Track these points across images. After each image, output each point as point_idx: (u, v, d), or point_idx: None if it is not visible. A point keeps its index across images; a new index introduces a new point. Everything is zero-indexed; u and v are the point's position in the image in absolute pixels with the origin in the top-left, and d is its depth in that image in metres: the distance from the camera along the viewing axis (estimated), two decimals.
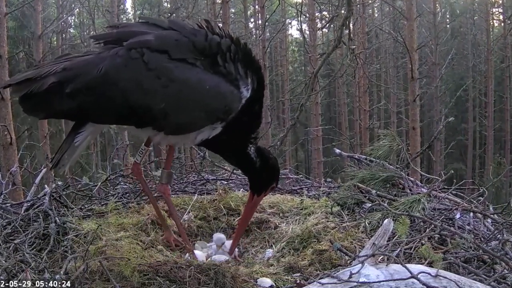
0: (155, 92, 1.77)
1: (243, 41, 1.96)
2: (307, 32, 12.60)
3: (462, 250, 1.85)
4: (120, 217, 2.29)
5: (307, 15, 11.34)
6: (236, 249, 2.19)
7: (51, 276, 1.61)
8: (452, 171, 3.04)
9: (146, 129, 1.92)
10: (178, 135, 1.97)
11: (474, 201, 2.43)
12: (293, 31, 24.78)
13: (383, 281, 1.39)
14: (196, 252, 2.15)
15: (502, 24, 19.18)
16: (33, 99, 1.76)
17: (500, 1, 19.61)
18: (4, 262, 1.71)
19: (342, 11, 4.41)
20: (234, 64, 1.87)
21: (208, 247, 2.27)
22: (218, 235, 2.29)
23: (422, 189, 2.68)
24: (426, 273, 1.40)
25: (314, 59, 8.61)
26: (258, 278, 1.82)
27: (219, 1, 10.61)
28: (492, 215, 2.29)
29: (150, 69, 1.76)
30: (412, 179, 2.82)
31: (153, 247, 2.09)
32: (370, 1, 14.73)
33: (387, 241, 1.80)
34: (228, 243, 2.21)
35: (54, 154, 1.93)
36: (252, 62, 1.95)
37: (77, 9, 15.16)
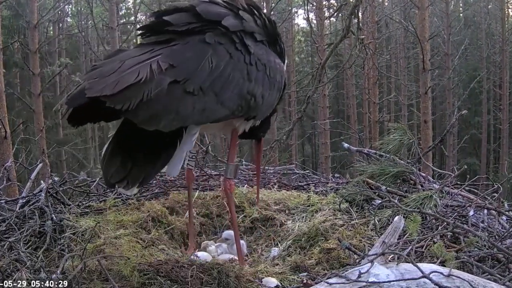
0: (257, 77, 1.76)
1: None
2: (314, 21, 12.43)
3: (475, 249, 1.82)
4: (119, 214, 2.28)
5: (314, 3, 11.17)
6: (244, 248, 2.14)
7: (47, 275, 1.59)
8: (466, 166, 2.95)
9: (250, 120, 1.91)
10: (262, 119, 1.99)
11: (488, 198, 2.40)
12: (300, 20, 24.58)
13: (393, 281, 1.35)
14: (202, 253, 2.08)
15: None
16: (154, 105, 1.44)
17: None
18: None
19: (351, 0, 4.29)
20: (280, 44, 1.99)
21: (217, 246, 2.21)
22: (228, 232, 2.23)
23: (434, 185, 2.65)
24: (438, 272, 1.37)
25: (321, 50, 8.50)
26: (263, 277, 1.79)
27: None
28: (507, 212, 2.25)
29: (250, 53, 1.74)
30: (423, 174, 2.82)
31: (153, 245, 2.07)
32: None
33: (397, 239, 1.77)
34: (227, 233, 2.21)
35: (145, 174, 1.62)
36: (280, 37, 2.02)
37: None
